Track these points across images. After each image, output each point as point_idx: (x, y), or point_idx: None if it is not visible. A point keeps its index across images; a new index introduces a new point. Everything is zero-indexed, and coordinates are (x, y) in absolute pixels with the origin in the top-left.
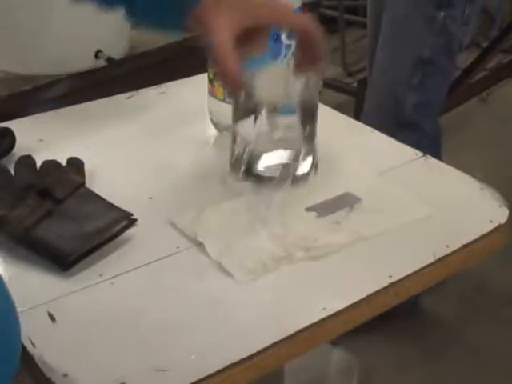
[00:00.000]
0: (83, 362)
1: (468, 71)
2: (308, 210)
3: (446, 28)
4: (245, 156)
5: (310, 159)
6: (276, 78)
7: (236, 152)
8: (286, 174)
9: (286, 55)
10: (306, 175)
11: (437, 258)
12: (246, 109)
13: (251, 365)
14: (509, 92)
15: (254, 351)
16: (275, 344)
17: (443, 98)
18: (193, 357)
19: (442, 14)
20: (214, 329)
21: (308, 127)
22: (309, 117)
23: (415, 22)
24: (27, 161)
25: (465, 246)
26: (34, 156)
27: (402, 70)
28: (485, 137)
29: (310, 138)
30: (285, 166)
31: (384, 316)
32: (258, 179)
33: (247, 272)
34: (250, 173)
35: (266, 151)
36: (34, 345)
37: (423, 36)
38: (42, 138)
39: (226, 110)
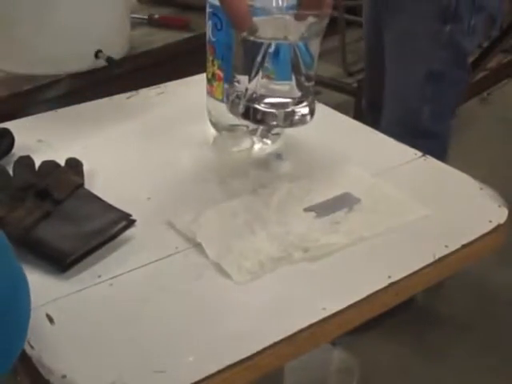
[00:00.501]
0: (82, 363)
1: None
2: (307, 210)
3: (453, 40)
4: (246, 92)
5: (307, 103)
6: (278, 20)
7: (237, 89)
8: (285, 113)
9: None
10: (303, 116)
11: (436, 258)
12: (246, 51)
13: (251, 365)
14: (509, 92)
15: (254, 352)
16: (275, 344)
17: (457, 104)
18: (191, 358)
19: (449, 27)
20: (213, 330)
21: (305, 74)
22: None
23: (421, 37)
24: (26, 161)
25: (464, 246)
26: (33, 156)
27: (414, 84)
28: (485, 137)
29: (306, 84)
30: (283, 105)
31: (382, 314)
32: (257, 115)
33: (246, 273)
34: (249, 109)
35: (266, 96)
36: (32, 346)
37: (431, 50)
38: (41, 139)
39: (224, 110)
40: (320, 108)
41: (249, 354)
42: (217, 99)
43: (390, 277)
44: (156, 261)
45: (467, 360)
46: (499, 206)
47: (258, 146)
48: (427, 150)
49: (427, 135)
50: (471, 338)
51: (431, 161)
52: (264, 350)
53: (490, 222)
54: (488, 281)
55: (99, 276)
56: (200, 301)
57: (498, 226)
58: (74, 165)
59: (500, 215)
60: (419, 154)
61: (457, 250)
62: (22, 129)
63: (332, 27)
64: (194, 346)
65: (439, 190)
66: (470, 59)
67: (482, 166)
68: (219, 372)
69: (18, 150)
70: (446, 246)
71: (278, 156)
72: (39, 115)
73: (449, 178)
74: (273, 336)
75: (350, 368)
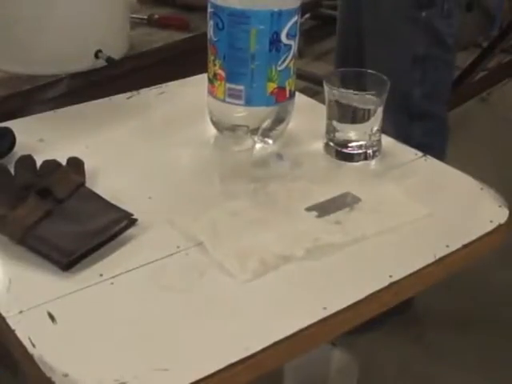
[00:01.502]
0: (83, 361)
1: (468, 71)
2: (308, 209)
3: (431, 25)
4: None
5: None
6: None
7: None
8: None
9: (285, 55)
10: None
11: (437, 257)
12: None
13: (251, 364)
14: (509, 92)
15: (254, 351)
16: (275, 344)
17: (449, 83)
18: (192, 356)
19: (424, 13)
20: (215, 328)
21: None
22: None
23: (401, 23)
24: (27, 160)
25: (465, 246)
26: (34, 156)
27: (401, 68)
28: (485, 137)
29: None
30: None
31: (381, 315)
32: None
33: (247, 272)
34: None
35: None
36: (33, 345)
37: (412, 36)
38: (43, 138)
39: (226, 109)
40: (320, 108)
41: (249, 353)
42: (218, 99)
43: (391, 276)
44: (157, 260)
45: (467, 360)
46: (500, 206)
47: (259, 146)
48: (426, 131)
49: (422, 117)
50: (471, 338)
51: (432, 161)
52: (265, 349)
53: (491, 222)
54: (488, 280)
55: (101, 275)
56: (201, 299)
57: (499, 226)
58: (76, 164)
59: (501, 215)
60: (420, 154)
61: (457, 250)
62: (24, 128)
63: (332, 27)
64: (195, 344)
65: (440, 190)
66: (470, 59)
67: (482, 166)
68: (220, 371)
69: (19, 149)
70: (447, 246)
71: (279, 156)
72: (40, 115)
73: (449, 178)
74: (274, 335)
75: (350, 368)
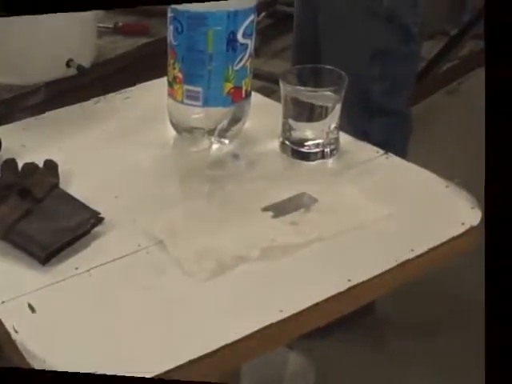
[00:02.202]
0: (60, 349)
1: (434, 62)
2: (264, 209)
3: (393, 15)
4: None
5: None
6: None
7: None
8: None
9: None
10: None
11: (399, 262)
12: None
13: (209, 362)
14: (481, 82)
15: (210, 350)
16: (232, 343)
17: (412, 79)
18: (153, 352)
19: (386, 2)
20: (173, 326)
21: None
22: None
23: (361, 16)
24: (11, 163)
25: (431, 250)
26: (17, 159)
27: (359, 65)
28: (455, 130)
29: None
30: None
31: (342, 319)
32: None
33: (205, 270)
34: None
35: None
36: (16, 331)
37: (372, 29)
38: (24, 144)
39: (184, 111)
40: (276, 107)
41: (206, 351)
42: (177, 101)
43: (349, 280)
44: (122, 257)
45: (430, 365)
46: (472, 208)
47: (215, 146)
48: (386, 128)
49: (382, 113)
50: (431, 343)
51: (393, 159)
52: (220, 348)
53: (463, 224)
54: (454, 284)
55: (76, 268)
56: (161, 297)
57: (471, 229)
58: (51, 166)
59: (473, 217)
60: (381, 151)
61: (423, 254)
62: (8, 134)
63: (289, 24)
64: (154, 341)
65: (403, 190)
66: (437, 48)
67: (453, 161)
68: (179, 367)
69: (4, 153)
70: (412, 250)
71: (235, 156)
72: (22, 122)
73: (413, 177)
74: (230, 335)
75: (305, 372)
